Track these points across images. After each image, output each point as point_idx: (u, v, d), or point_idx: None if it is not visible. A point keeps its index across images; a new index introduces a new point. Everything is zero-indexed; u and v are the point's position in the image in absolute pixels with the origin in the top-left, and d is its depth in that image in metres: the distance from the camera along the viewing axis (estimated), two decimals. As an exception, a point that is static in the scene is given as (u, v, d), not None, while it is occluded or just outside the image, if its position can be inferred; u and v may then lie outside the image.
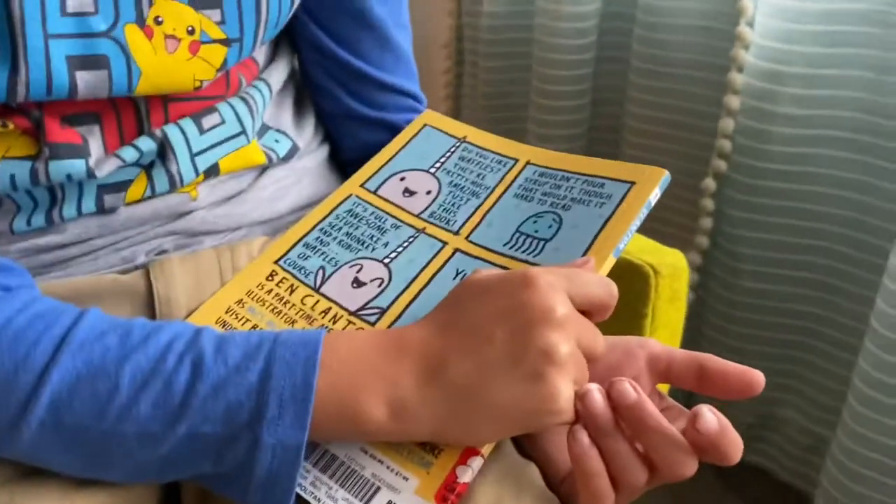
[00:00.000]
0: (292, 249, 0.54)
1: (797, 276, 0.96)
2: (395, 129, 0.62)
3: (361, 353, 0.41)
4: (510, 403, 0.39)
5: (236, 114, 0.53)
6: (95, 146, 0.48)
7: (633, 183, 0.52)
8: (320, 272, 0.52)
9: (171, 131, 0.50)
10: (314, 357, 0.39)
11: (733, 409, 1.07)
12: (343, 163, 0.65)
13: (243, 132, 0.54)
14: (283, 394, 0.39)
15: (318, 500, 0.42)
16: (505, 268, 0.50)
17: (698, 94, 1.01)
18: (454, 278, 0.51)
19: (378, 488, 0.42)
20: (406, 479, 0.42)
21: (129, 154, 0.48)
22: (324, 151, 0.62)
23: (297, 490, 0.41)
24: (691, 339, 1.10)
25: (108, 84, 0.45)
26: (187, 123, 0.51)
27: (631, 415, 0.39)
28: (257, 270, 0.52)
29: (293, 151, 0.59)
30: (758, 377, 0.44)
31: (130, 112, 0.49)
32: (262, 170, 0.57)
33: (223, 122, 0.53)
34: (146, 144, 0.49)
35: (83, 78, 0.44)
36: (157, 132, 0.49)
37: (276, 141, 0.58)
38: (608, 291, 0.43)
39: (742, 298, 1.00)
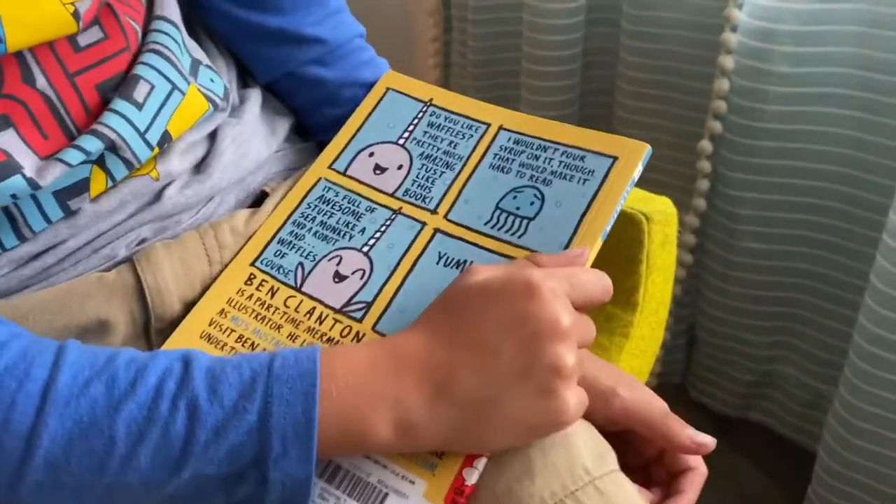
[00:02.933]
0: (267, 248, 0.52)
1: (796, 234, 0.97)
2: (300, 39, 0.58)
3: (360, 375, 0.40)
4: (520, 416, 0.39)
5: (159, 72, 0.50)
6: (22, 153, 0.45)
7: (615, 158, 0.51)
8: (299, 269, 0.51)
9: (114, 121, 0.47)
10: (312, 390, 0.38)
11: (735, 367, 1.08)
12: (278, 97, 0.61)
13: (174, 87, 0.50)
14: (286, 432, 0.38)
15: None
16: (488, 249, 0.50)
17: (691, 55, 1.00)
18: (437, 263, 0.50)
19: (386, 494, 0.42)
20: (412, 482, 0.42)
21: (73, 156, 0.45)
22: (257, 91, 0.59)
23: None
24: (691, 301, 1.11)
25: None
26: (123, 106, 0.48)
27: None
28: (235, 275, 0.51)
29: (227, 92, 0.55)
30: (701, 448, 0.49)
31: (37, 99, 0.45)
32: (213, 132, 0.54)
33: (153, 87, 0.49)
34: (93, 144, 0.46)
35: None
36: (101, 128, 0.46)
37: (212, 80, 0.54)
38: (605, 289, 0.44)
39: (740, 258, 1.00)
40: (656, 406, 0.49)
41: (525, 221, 0.51)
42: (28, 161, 0.45)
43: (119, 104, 0.47)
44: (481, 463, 0.42)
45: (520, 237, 0.50)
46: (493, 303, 0.41)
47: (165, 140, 0.50)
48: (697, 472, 0.50)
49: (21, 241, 0.46)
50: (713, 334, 1.08)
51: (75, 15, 0.44)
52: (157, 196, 0.51)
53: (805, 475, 0.97)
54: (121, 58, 0.49)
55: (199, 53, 0.56)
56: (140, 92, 0.48)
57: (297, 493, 0.39)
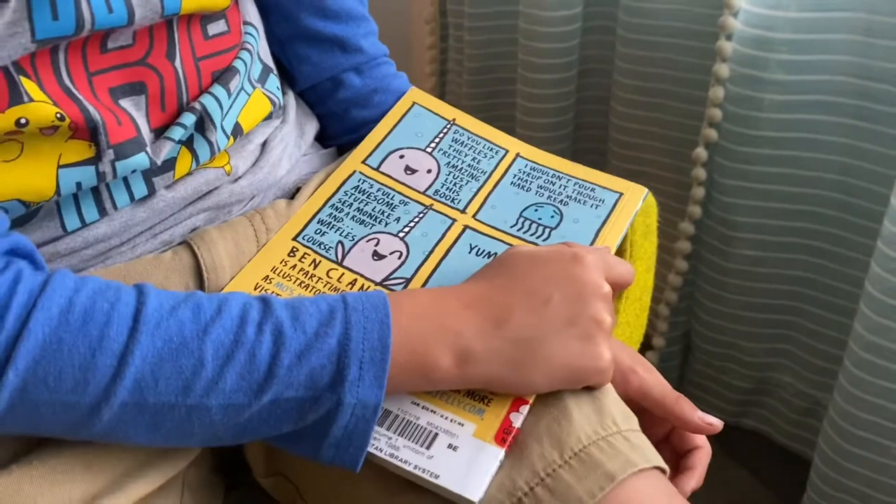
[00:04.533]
0: (308, 226, 0.55)
1: (791, 241, 0.97)
2: (347, 48, 0.63)
3: (425, 309, 0.45)
4: (563, 357, 0.45)
5: (245, 65, 0.55)
6: (143, 125, 0.49)
7: (621, 193, 0.59)
8: (339, 246, 0.54)
9: (208, 101, 0.51)
10: (387, 319, 0.42)
11: (730, 375, 1.08)
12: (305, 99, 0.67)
13: (244, 87, 0.55)
14: (363, 356, 0.41)
15: (381, 451, 0.44)
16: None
17: (687, 63, 1.01)
18: (469, 253, 0.54)
19: (436, 434, 0.44)
20: (461, 424, 0.45)
21: (177, 133, 0.50)
22: (292, 96, 0.63)
23: None
24: (686, 308, 1.11)
25: (159, 1, 0.46)
26: (219, 91, 0.52)
27: None
28: (277, 248, 0.54)
29: (284, 98, 0.60)
30: (711, 428, 0.53)
31: (171, 75, 0.50)
32: (270, 131, 0.58)
33: (240, 79, 0.54)
34: (188, 119, 0.50)
35: None
36: (196, 105, 0.51)
37: (277, 87, 0.60)
38: (630, 274, 0.51)
39: (736, 266, 1.00)
40: (669, 388, 0.54)
41: (548, 230, 0.56)
42: (147, 137, 0.49)
43: (216, 88, 0.52)
44: (525, 409, 0.46)
45: (544, 241, 0.56)
46: (543, 264, 0.47)
47: (237, 132, 0.54)
48: (704, 451, 0.54)
49: (102, 216, 0.49)
50: (708, 341, 1.09)
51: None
52: (218, 187, 0.54)
53: (800, 483, 0.97)
54: (233, 52, 0.54)
55: (271, 61, 0.61)
56: (234, 83, 0.53)
57: (364, 420, 0.42)
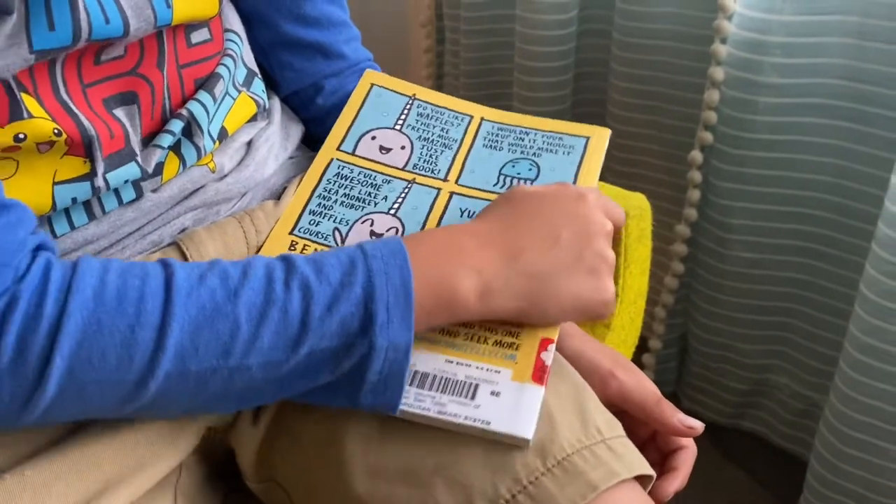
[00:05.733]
0: (301, 218, 0.56)
1: (786, 243, 0.97)
2: (329, 54, 0.65)
3: (443, 249, 0.47)
4: (573, 290, 0.47)
5: (229, 71, 0.56)
6: (134, 137, 0.50)
7: (588, 137, 0.61)
8: (336, 233, 0.55)
9: (195, 108, 0.52)
10: (405, 264, 0.44)
11: (727, 377, 1.09)
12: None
13: (229, 92, 0.56)
14: (389, 300, 0.43)
15: (428, 411, 0.45)
16: None
17: (682, 66, 1.01)
18: (462, 216, 0.56)
19: (477, 385, 0.46)
20: (498, 372, 0.47)
21: (166, 140, 0.50)
22: (276, 99, 0.64)
23: (404, 408, 0.45)
24: (682, 310, 1.11)
25: (151, 9, 0.47)
26: (204, 97, 0.53)
27: None
28: (277, 245, 0.54)
29: (269, 100, 0.61)
30: (691, 431, 0.54)
31: (160, 82, 0.51)
32: (255, 131, 0.59)
33: (224, 85, 0.55)
34: (176, 126, 0.51)
35: (128, 5, 0.46)
36: (184, 111, 0.52)
37: (262, 90, 0.61)
38: (622, 214, 0.53)
39: (732, 268, 1.01)
40: (650, 390, 0.54)
41: (528, 181, 0.58)
42: (137, 146, 0.50)
43: (202, 95, 0.53)
44: (552, 347, 0.48)
45: None
46: (549, 203, 0.49)
47: (223, 135, 0.55)
48: (689, 451, 0.55)
49: (91, 219, 0.49)
50: (705, 343, 1.09)
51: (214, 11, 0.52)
52: (204, 185, 0.55)
53: (797, 484, 0.98)
54: (215, 60, 0.55)
55: (255, 66, 0.61)
56: (218, 89, 0.54)
57: (397, 362, 0.43)
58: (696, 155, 0.97)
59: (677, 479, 0.53)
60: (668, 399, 0.55)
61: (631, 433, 0.53)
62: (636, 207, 0.71)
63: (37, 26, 0.42)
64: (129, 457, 0.45)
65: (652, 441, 0.56)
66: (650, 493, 0.49)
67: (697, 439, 0.55)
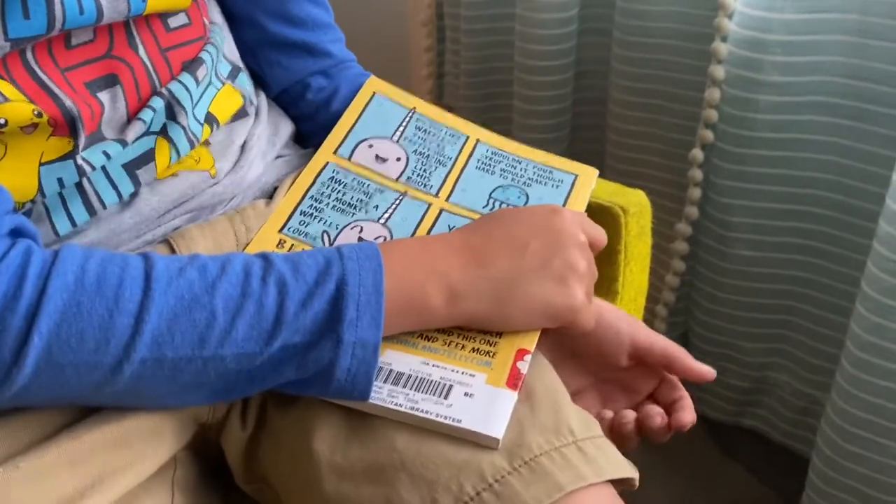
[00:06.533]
0: (291, 218, 0.56)
1: (787, 241, 0.97)
2: (315, 52, 0.66)
3: (415, 255, 0.48)
4: (539, 296, 0.48)
5: (212, 59, 0.57)
6: (118, 114, 0.51)
7: (576, 175, 0.63)
8: (325, 236, 0.56)
9: (175, 88, 0.53)
10: (379, 267, 0.45)
11: (728, 374, 1.09)
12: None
13: (216, 76, 0.58)
14: (360, 299, 0.44)
15: (400, 406, 0.46)
16: None
17: (683, 64, 1.01)
18: (449, 231, 0.56)
19: (451, 386, 0.47)
20: (473, 375, 0.48)
21: (147, 115, 0.51)
22: (264, 97, 0.65)
23: (377, 402, 0.46)
24: (684, 308, 1.11)
25: (126, 2, 0.48)
26: (187, 79, 0.54)
27: None
28: (265, 242, 0.55)
29: (256, 96, 0.62)
30: (710, 374, 0.58)
31: (140, 65, 0.52)
32: (247, 131, 0.60)
33: (207, 70, 0.56)
34: (157, 103, 0.52)
35: None
36: (164, 91, 0.53)
37: (249, 84, 0.62)
38: (603, 236, 0.54)
39: (733, 266, 1.01)
40: (670, 341, 0.58)
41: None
42: (117, 125, 0.51)
43: (184, 76, 0.54)
44: (529, 357, 0.49)
45: None
46: (524, 215, 0.51)
47: (212, 120, 0.56)
48: (687, 398, 0.58)
49: (91, 215, 0.50)
50: (706, 341, 1.09)
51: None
52: (201, 189, 0.55)
53: (799, 481, 0.98)
54: (199, 44, 0.56)
55: (240, 62, 0.63)
56: (201, 72, 0.55)
57: (365, 361, 0.44)
58: (697, 153, 0.98)
59: (690, 411, 0.56)
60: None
61: (634, 390, 0.58)
62: (636, 204, 0.71)
63: (12, 14, 0.43)
64: (121, 449, 0.46)
65: (653, 395, 0.59)
66: (672, 418, 0.55)
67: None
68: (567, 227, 0.50)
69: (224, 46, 0.60)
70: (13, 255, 0.40)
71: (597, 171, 0.63)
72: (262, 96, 0.64)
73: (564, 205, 0.60)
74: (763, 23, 0.87)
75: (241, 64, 0.63)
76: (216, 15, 0.61)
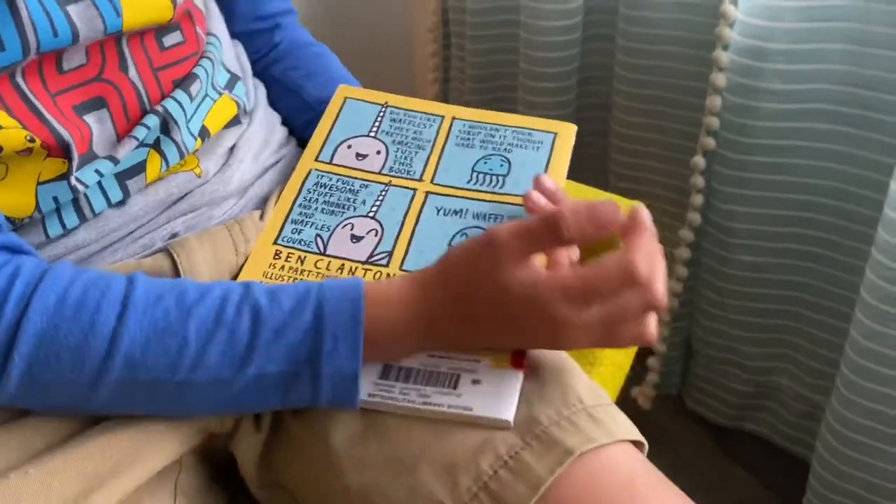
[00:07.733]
0: (284, 228, 0.58)
1: (788, 247, 0.98)
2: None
3: (391, 297, 0.47)
4: (525, 344, 0.48)
5: (206, 73, 0.58)
6: (107, 136, 0.52)
7: (556, 133, 0.64)
8: (318, 239, 0.57)
9: (170, 105, 0.54)
10: (359, 298, 0.45)
11: (731, 379, 1.09)
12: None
13: (209, 94, 0.59)
14: (337, 330, 0.44)
15: (413, 403, 0.48)
16: (477, 199, 0.59)
17: (685, 72, 1.02)
18: (437, 214, 0.58)
19: (458, 375, 0.48)
20: (477, 361, 0.49)
21: (140, 132, 0.53)
22: (263, 101, 0.67)
23: (390, 401, 0.47)
24: (687, 313, 1.12)
25: (100, 19, 0.49)
26: (181, 96, 0.55)
27: None
28: (261, 255, 0.56)
29: (249, 103, 0.64)
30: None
31: (128, 86, 0.53)
32: (237, 135, 0.61)
33: (202, 85, 0.57)
34: (152, 121, 0.53)
35: (76, 13, 0.47)
36: (159, 108, 0.54)
37: (245, 94, 0.63)
38: (596, 217, 0.48)
39: (735, 271, 1.02)
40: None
41: (500, 178, 0.61)
42: (106, 147, 0.52)
43: (178, 93, 0.55)
44: None
45: (500, 188, 0.60)
46: (473, 279, 0.47)
47: (205, 134, 0.57)
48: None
49: (81, 221, 0.52)
50: (709, 346, 1.10)
51: (174, 1, 0.53)
52: (192, 190, 0.57)
53: (800, 485, 0.98)
54: (192, 60, 0.57)
55: (238, 69, 0.64)
56: (194, 88, 0.56)
57: (346, 390, 0.45)
58: (699, 160, 0.98)
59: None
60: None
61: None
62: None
63: None
64: (128, 452, 0.47)
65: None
66: None
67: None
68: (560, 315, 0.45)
69: (222, 56, 0.62)
70: (0, 275, 0.43)
71: (575, 127, 0.64)
72: (258, 98, 0.65)
73: (547, 165, 0.61)
74: (764, 31, 0.87)
75: (238, 72, 0.64)
76: (216, 24, 0.62)
